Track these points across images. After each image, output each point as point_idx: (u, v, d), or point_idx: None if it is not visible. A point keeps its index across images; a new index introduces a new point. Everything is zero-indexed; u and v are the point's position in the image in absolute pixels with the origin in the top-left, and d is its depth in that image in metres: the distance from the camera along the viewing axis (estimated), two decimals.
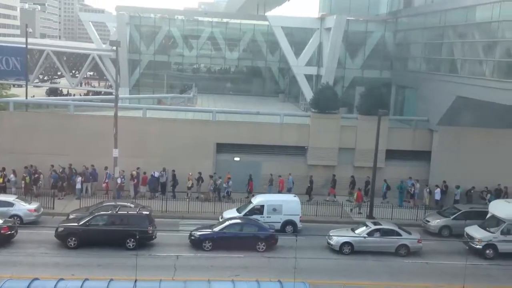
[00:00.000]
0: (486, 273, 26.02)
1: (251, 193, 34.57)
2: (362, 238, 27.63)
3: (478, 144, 35.80)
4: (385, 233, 27.94)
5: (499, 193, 35.22)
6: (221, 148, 36.91)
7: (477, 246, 27.94)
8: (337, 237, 27.94)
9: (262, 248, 27.07)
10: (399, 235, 27.75)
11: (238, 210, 30.33)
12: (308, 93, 44.91)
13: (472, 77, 30.69)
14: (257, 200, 30.61)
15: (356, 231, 28.36)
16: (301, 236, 28.05)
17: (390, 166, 37.14)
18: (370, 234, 27.82)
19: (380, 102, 36.62)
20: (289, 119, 38.34)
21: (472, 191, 35.71)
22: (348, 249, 27.51)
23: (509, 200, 30.74)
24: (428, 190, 35.62)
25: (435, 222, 31.05)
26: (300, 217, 30.05)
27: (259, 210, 29.83)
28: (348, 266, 25.97)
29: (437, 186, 35.72)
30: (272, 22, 47.68)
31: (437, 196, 35.23)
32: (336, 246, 27.69)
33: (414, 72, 40.99)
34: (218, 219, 29.74)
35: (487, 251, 27.87)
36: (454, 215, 31.02)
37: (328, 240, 28.11)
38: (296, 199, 30.72)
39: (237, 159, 37.05)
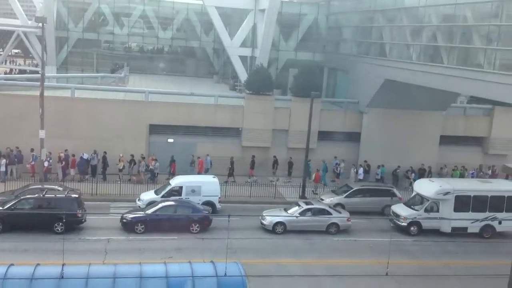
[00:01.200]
0: (410, 249, 27.28)
1: (174, 175, 34.16)
2: (295, 218, 28.19)
3: (405, 125, 37.20)
4: (317, 212, 28.62)
5: (423, 173, 36.89)
6: (154, 129, 36.29)
7: (403, 224, 29.19)
8: (270, 217, 28.32)
9: (196, 230, 27.02)
10: (330, 214, 28.51)
11: (156, 192, 29.95)
12: (242, 74, 44.89)
13: (399, 61, 31.72)
14: (175, 181, 30.31)
15: (289, 211, 28.85)
16: (234, 217, 28.17)
17: (322, 147, 37.96)
18: (302, 213, 28.40)
19: (313, 84, 37.23)
20: (223, 101, 38.21)
21: (397, 171, 37.18)
22: (281, 229, 27.97)
23: (433, 179, 32.25)
24: (355, 169, 36.75)
25: (329, 200, 31.52)
26: (219, 198, 30.12)
27: (178, 191, 29.55)
28: (281, 245, 26.44)
29: (360, 165, 36.89)
30: (206, 2, 47.06)
31: (360, 175, 36.33)
32: (269, 226, 28.08)
33: (345, 55, 41.88)
34: (136, 202, 29.50)
35: (412, 228, 29.18)
36: (347, 193, 31.81)
37: (262, 221, 28.43)
38: (216, 180, 30.71)
39: (170, 140, 36.57)
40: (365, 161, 37.24)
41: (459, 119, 39.95)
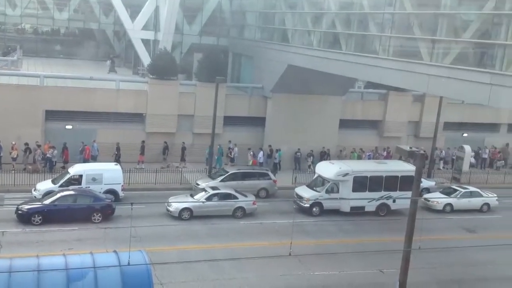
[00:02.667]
0: (313, 229, 28.27)
1: (67, 162, 32.74)
2: (201, 203, 28.18)
3: (307, 110, 38.19)
4: (223, 197, 28.78)
5: (324, 155, 38.19)
6: (51, 115, 34.45)
7: (305, 205, 30.15)
8: (176, 203, 28.06)
9: (98, 219, 26.15)
10: (236, 198, 28.78)
11: (54, 181, 28.64)
12: (145, 58, 43.72)
13: (301, 47, 32.43)
14: (75, 169, 29.13)
15: (195, 197, 28.76)
16: (139, 204, 27.53)
17: (228, 132, 38.11)
18: (208, 198, 28.45)
19: (218, 69, 37.16)
20: (126, 85, 37.04)
21: (298, 154, 38.14)
22: (187, 215, 27.83)
23: (333, 161, 33.49)
24: (251, 153, 36.91)
25: (205, 184, 30.98)
26: (122, 185, 29.43)
27: (77, 180, 28.46)
28: (187, 231, 26.33)
29: (260, 149, 37.35)
30: None
31: (261, 159, 36.85)
32: (175, 212, 27.83)
33: (249, 41, 42.12)
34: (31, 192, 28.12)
35: (314, 209, 30.22)
36: (222, 177, 31.79)
37: (168, 207, 28.11)
38: (118, 167, 29.96)
39: (69, 127, 34.93)
40: (270, 146, 37.89)
41: (357, 104, 41.76)
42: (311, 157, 37.88)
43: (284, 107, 37.94)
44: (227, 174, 32.11)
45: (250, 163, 36.52)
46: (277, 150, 37.72)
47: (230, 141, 37.51)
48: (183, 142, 36.62)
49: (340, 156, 38.81)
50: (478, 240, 27.20)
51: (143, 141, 35.79)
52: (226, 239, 25.89)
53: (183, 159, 36.44)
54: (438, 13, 21.38)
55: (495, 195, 33.75)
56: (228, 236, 26.23)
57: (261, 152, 37.15)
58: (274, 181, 33.15)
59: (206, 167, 34.72)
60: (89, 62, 51.35)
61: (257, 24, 41.37)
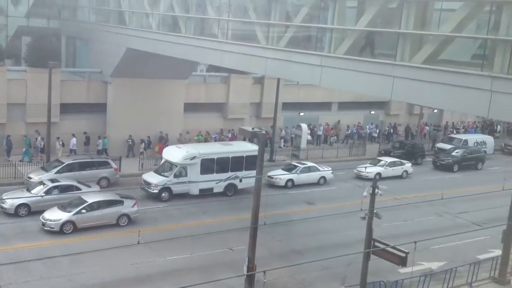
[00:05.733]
0: (163, 215, 28.08)
1: None
2: (40, 198, 26.38)
3: (151, 94, 37.48)
4: (64, 189, 27.24)
5: (161, 140, 37.59)
6: None
7: (154, 191, 29.80)
8: (12, 199, 25.86)
9: None
10: (79, 189, 27.40)
11: None
12: None
13: (140, 30, 31.61)
14: None
15: (33, 191, 26.81)
16: None
17: (66, 120, 36.01)
18: (48, 192, 26.73)
19: (50, 53, 34.75)
20: None
21: (129, 141, 36.98)
22: (24, 211, 26.00)
23: (180, 145, 33.51)
24: (61, 142, 34.73)
25: (38, 177, 29.08)
26: None
27: None
28: (26, 228, 24.57)
29: (73, 135, 35.31)
30: None
31: (74, 146, 34.96)
32: (11, 209, 25.86)
33: (84, 23, 39.89)
34: None
35: (163, 194, 30.00)
36: (58, 168, 29.97)
37: (2, 204, 25.87)
38: None
39: None
40: (85, 133, 35.90)
41: (200, 87, 42.07)
42: (143, 143, 37.04)
43: (126, 92, 36.78)
44: (62, 165, 30.30)
45: (60, 153, 34.11)
46: (101, 137, 36.35)
47: (36, 131, 34.62)
48: (8, 135, 33.78)
49: (180, 140, 38.24)
50: (317, 211, 29.31)
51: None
52: (70, 233, 24.59)
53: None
54: None
55: (330, 169, 36.64)
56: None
57: (74, 139, 35.12)
58: (116, 169, 32.16)
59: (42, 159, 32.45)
60: None
61: (90, 5, 39.27)
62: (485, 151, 45.79)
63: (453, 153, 42.58)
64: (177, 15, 27.95)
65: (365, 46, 18.32)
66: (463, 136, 47.85)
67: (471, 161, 42.65)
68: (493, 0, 14.08)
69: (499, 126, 55.83)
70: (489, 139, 48.07)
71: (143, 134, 37.35)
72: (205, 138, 40.21)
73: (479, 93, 13.89)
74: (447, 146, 44.85)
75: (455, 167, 41.47)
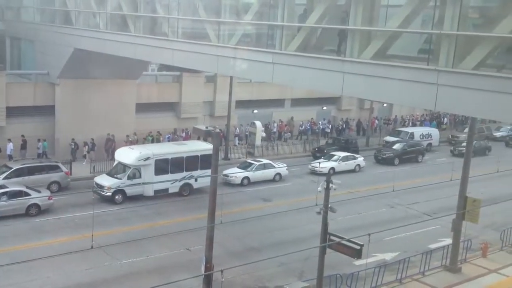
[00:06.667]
0: (117, 217, 27.57)
1: None
2: None
3: (101, 95, 36.59)
4: (13, 195, 26.40)
5: (108, 142, 36.67)
6: None
7: (107, 194, 29.22)
8: None
9: None
10: (29, 195, 26.60)
11: None
12: None
13: (88, 30, 30.89)
14: None
15: None
16: None
17: (13, 124, 34.89)
18: None
19: None
20: None
21: (72, 144, 35.86)
22: None
23: (133, 146, 32.99)
24: None
25: None
26: None
27: None
28: None
29: (9, 140, 34.08)
30: None
31: (11, 151, 33.85)
32: None
33: (29, 23, 38.62)
34: None
35: (117, 197, 29.48)
36: (5, 174, 29.05)
37: None
38: None
39: None
40: (22, 136, 34.52)
41: (152, 87, 41.53)
42: (87, 146, 36.07)
43: (75, 93, 35.86)
44: (10, 171, 29.31)
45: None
46: (41, 140, 35.25)
47: None
48: None
49: (127, 142, 37.06)
50: (273, 208, 29.48)
51: None
52: (23, 239, 23.84)
53: None
54: None
55: (285, 165, 36.92)
56: (25, 236, 24.18)
57: (11, 144, 33.90)
58: (66, 173, 31.36)
59: None
60: None
61: (35, 5, 38.01)
62: (430, 143, 47.34)
63: (394, 147, 43.55)
64: (125, 14, 27.45)
65: (318, 43, 18.52)
66: (409, 129, 49.12)
67: (412, 154, 43.59)
68: None
69: (445, 119, 57.69)
70: (434, 132, 49.53)
71: (95, 136, 36.49)
72: (157, 138, 39.60)
73: (426, 87, 14.25)
74: (394, 139, 45.93)
75: (396, 161, 42.21)
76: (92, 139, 36.25)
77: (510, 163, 39.98)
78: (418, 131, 48.31)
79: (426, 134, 48.09)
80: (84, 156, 35.58)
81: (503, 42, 12.97)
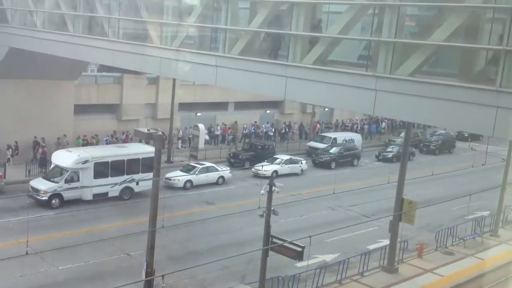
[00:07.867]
0: (53, 223, 26.64)
1: None
2: None
3: (38, 96, 35.21)
4: None
5: (35, 146, 35.19)
6: None
7: (43, 198, 28.21)
8: None
9: None
10: None
11: None
12: None
13: (24, 28, 29.78)
14: None
15: None
16: None
17: None
18: None
19: None
20: None
21: (15, 146, 34.65)
22: None
23: (71, 149, 31.94)
24: None
25: None
26: None
27: None
28: None
29: None
30: None
31: None
32: None
33: None
34: None
35: (53, 201, 28.50)
36: None
37: None
38: None
39: None
40: None
41: (92, 88, 40.46)
42: (10, 150, 34.52)
43: (10, 94, 34.36)
44: None
45: None
46: None
47: None
48: None
49: (58, 145, 35.55)
50: (216, 211, 29.38)
51: None
52: None
53: None
54: None
55: (228, 168, 36.93)
56: None
57: None
58: (0, 176, 30.03)
59: None
60: None
61: None
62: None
63: (331, 151, 44.20)
64: (64, 12, 26.65)
65: (263, 47, 18.64)
66: (332, 135, 48.66)
67: (348, 158, 44.39)
68: (375, 3, 14.92)
69: (383, 123, 59.47)
70: (357, 137, 49.42)
71: (28, 139, 34.98)
72: (91, 141, 38.04)
73: (365, 92, 14.65)
74: (319, 145, 45.74)
75: (333, 164, 42.73)
76: (16, 142, 34.71)
77: (429, 167, 40.84)
78: (341, 136, 48.19)
79: (349, 139, 48.13)
80: (8, 160, 34.02)
81: (437, 49, 13.54)
